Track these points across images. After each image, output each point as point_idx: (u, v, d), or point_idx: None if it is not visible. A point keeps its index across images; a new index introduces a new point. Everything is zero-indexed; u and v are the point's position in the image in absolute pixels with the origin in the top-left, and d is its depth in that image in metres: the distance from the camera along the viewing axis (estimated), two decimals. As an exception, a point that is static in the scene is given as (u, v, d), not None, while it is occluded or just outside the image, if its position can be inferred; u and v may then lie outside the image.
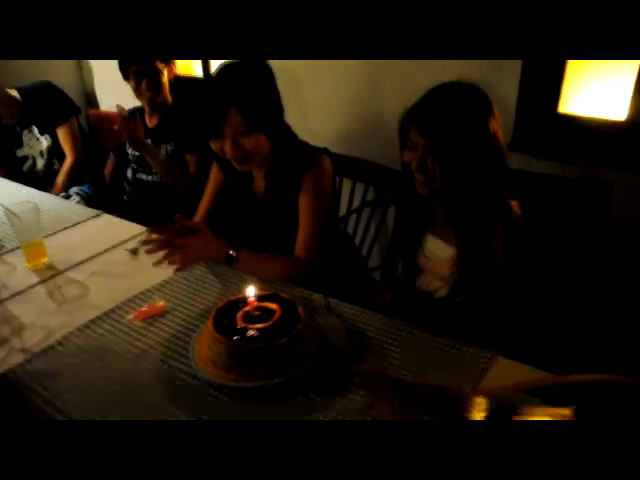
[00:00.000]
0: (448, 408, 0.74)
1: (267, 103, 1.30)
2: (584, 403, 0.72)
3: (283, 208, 1.40)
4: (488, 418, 0.69)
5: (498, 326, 1.18)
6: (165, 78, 1.95)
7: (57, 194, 2.18)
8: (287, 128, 1.42)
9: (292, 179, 1.37)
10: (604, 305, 1.55)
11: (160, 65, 1.91)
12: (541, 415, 0.71)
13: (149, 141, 1.99)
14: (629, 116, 1.48)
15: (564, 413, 0.70)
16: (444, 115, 1.10)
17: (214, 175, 1.56)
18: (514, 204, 1.18)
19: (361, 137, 2.01)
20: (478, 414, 0.70)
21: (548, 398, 0.78)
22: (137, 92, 1.93)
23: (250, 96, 1.26)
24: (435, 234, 1.28)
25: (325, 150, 1.42)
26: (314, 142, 1.45)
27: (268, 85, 1.31)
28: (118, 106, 1.83)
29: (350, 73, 1.93)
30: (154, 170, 1.97)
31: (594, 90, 1.56)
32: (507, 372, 0.97)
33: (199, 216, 1.56)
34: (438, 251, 1.27)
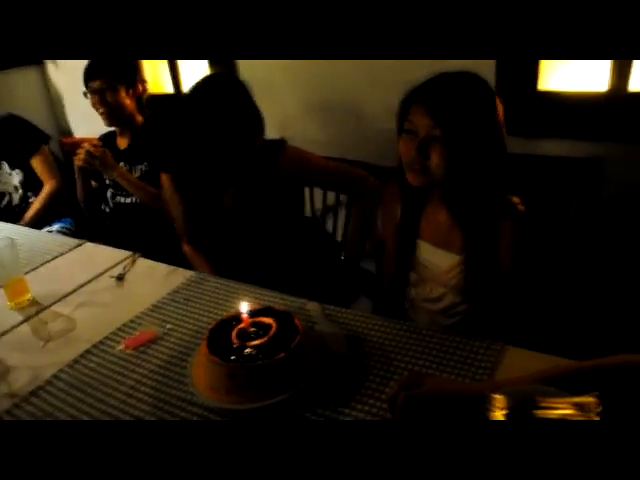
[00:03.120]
0: (468, 409, 0.70)
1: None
2: (607, 388, 0.68)
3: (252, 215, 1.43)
4: (509, 416, 0.65)
5: (505, 317, 1.13)
6: (123, 95, 1.86)
7: (28, 224, 2.11)
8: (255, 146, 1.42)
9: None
10: (605, 283, 1.52)
11: (114, 81, 1.83)
12: (564, 405, 0.67)
13: (122, 164, 1.93)
14: (610, 85, 1.45)
15: (588, 401, 0.66)
16: (452, 93, 1.02)
17: (172, 194, 1.57)
18: (516, 200, 1.09)
19: (359, 140, 1.93)
20: (499, 413, 0.65)
21: (565, 386, 0.74)
22: (95, 108, 1.88)
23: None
24: (433, 242, 1.17)
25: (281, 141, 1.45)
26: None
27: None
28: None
29: (344, 75, 1.86)
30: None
31: (572, 64, 1.53)
32: (519, 362, 0.93)
33: (186, 238, 1.57)
34: (438, 260, 1.16)
